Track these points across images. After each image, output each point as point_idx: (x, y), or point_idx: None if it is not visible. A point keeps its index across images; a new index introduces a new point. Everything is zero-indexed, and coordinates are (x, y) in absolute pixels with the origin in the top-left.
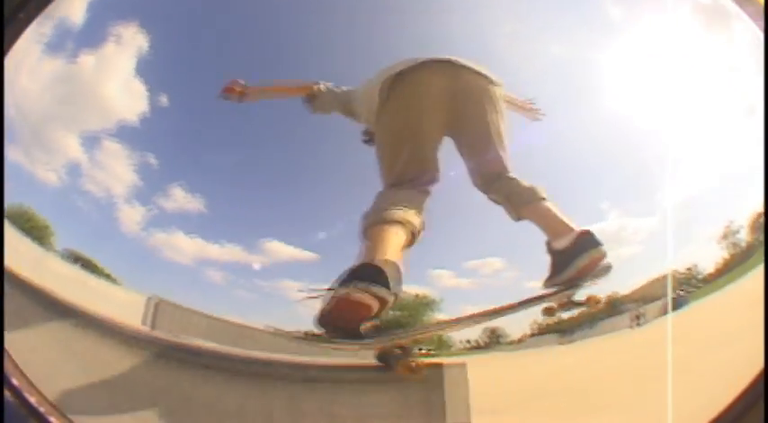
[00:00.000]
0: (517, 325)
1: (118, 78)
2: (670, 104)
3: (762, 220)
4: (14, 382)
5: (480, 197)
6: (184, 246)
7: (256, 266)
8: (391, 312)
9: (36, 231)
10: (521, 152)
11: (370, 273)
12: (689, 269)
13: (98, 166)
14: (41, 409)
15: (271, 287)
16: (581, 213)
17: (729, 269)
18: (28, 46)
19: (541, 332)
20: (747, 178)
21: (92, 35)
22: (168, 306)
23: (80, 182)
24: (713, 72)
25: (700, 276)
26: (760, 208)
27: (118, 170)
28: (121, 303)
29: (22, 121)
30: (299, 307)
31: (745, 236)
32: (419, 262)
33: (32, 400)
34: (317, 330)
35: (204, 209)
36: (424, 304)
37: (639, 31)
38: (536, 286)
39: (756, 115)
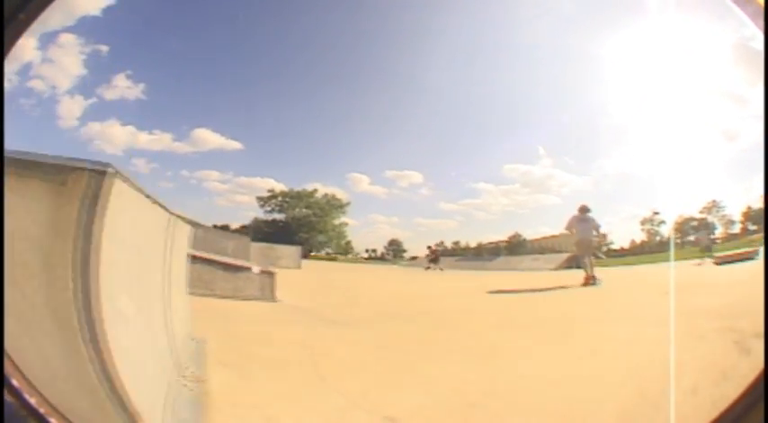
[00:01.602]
0: None
1: None
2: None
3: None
4: (14, 383)
5: (425, 106)
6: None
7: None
8: (299, 211)
9: None
10: None
11: None
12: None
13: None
14: (41, 411)
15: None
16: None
17: (640, 252)
18: None
19: None
20: (697, 180)
21: None
22: None
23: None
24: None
25: (610, 246)
26: (691, 211)
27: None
28: None
29: None
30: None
31: (664, 230)
32: (338, 162)
33: (32, 401)
34: None
35: (143, 96)
36: (333, 205)
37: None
38: (449, 208)
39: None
